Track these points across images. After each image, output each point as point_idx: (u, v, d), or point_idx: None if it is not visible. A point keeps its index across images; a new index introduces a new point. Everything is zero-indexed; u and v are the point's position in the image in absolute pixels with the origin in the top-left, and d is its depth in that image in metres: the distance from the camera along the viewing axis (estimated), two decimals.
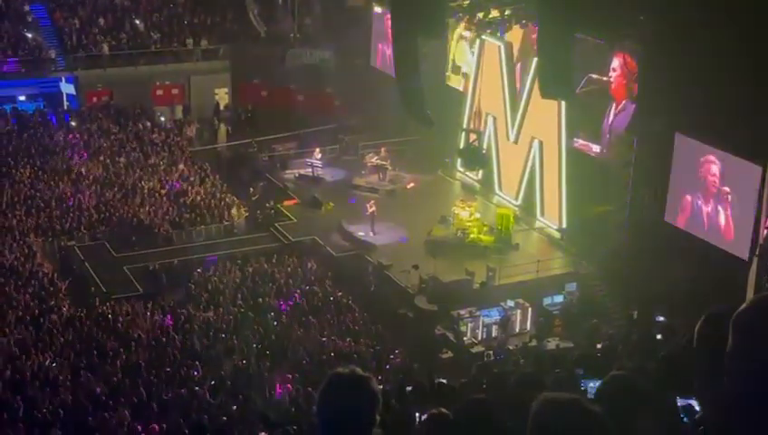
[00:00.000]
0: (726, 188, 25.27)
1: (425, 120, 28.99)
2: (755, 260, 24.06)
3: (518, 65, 34.12)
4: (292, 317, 27.04)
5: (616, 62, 30.17)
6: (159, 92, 43.43)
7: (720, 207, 25.57)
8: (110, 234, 32.30)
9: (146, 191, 34.73)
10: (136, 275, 30.03)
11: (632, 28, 27.56)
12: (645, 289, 26.39)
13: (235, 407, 21.02)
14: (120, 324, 25.79)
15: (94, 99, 42.32)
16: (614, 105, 30.79)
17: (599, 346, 23.82)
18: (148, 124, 41.27)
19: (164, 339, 24.92)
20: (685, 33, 24.27)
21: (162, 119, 42.52)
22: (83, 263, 30.66)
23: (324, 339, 25.60)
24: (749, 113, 22.74)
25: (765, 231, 23.89)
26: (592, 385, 11.30)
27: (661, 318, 23.99)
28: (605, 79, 30.43)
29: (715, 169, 25.65)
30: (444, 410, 5.17)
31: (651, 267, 26.42)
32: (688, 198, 26.50)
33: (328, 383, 3.46)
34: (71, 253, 31.30)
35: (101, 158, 37.19)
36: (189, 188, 35.38)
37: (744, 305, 2.77)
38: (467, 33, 36.39)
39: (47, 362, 23.23)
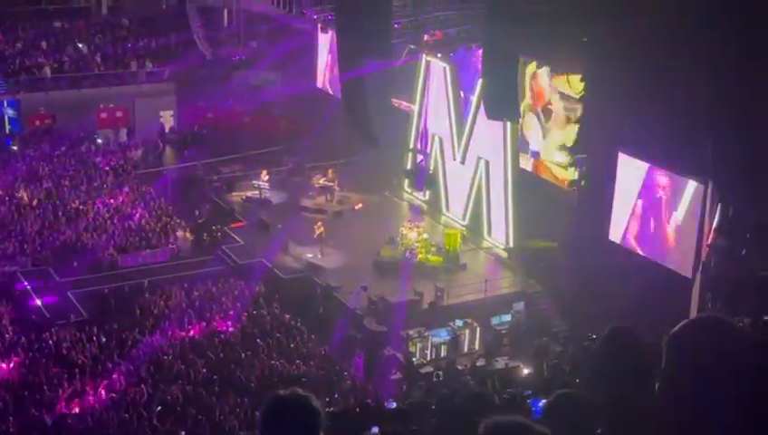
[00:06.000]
0: (670, 206, 25.64)
1: (372, 141, 29.11)
2: (698, 277, 24.40)
3: (463, 86, 34.40)
4: (240, 341, 26.83)
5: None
6: (104, 115, 43.00)
7: (665, 225, 25.93)
8: (54, 258, 31.81)
9: (90, 215, 34.30)
10: (80, 299, 29.59)
11: (576, 50, 27.92)
12: (591, 307, 26.61)
13: (183, 432, 20.81)
14: (64, 350, 25.40)
15: (37, 122, 41.79)
16: None
17: (546, 365, 23.99)
18: (92, 147, 40.86)
19: (110, 365, 24.58)
20: (627, 55, 24.64)
21: (100, 141, 42.08)
22: (26, 288, 30.14)
23: (273, 362, 25.43)
24: (689, 133, 23.11)
25: (707, 249, 24.26)
26: (541, 404, 11.37)
27: (594, 336, 24.17)
28: None
29: (659, 187, 26.03)
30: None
31: (596, 286, 26.68)
32: (633, 216, 26.83)
33: (269, 405, 3.46)
34: (13, 278, 30.75)
35: (44, 182, 36.72)
36: (134, 211, 35.03)
37: (677, 327, 2.90)
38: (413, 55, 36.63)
39: None
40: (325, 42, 39.93)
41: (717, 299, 23.79)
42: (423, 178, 35.63)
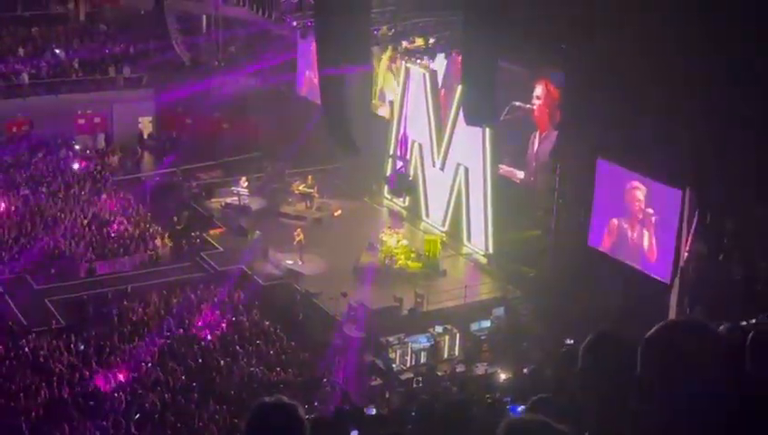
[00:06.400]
0: (650, 210, 25.74)
1: (351, 148, 29.06)
2: (677, 283, 24.51)
3: (443, 93, 34.43)
4: (219, 348, 26.72)
5: (539, 90, 30.67)
6: (81, 121, 42.74)
7: (645, 231, 26.02)
8: (31, 265, 31.58)
9: (67, 222, 34.08)
10: (58, 307, 29.38)
11: (554, 56, 28.01)
12: (570, 314, 26.66)
13: None
14: (41, 358, 25.20)
15: (14, 129, 41.50)
16: (538, 132, 31.27)
17: (525, 371, 23.94)
18: (70, 154, 40.63)
19: (87, 373, 24.42)
20: (605, 61, 24.74)
21: (77, 147, 41.82)
22: (3, 296, 29.93)
23: (252, 369, 25.34)
24: (667, 139, 23.24)
25: (686, 254, 24.37)
26: (520, 410, 11.36)
27: (570, 341, 24.21)
28: (528, 106, 30.90)
29: (639, 193, 26.13)
30: None
31: (576, 292, 26.73)
32: (614, 222, 26.91)
33: (254, 413, 3.42)
34: None
35: (21, 189, 36.47)
36: (112, 217, 34.85)
37: (652, 330, 2.91)
38: (392, 62, 36.67)
39: None
40: (305, 48, 39.84)
41: (696, 304, 23.90)
42: (395, 180, 35.41)
